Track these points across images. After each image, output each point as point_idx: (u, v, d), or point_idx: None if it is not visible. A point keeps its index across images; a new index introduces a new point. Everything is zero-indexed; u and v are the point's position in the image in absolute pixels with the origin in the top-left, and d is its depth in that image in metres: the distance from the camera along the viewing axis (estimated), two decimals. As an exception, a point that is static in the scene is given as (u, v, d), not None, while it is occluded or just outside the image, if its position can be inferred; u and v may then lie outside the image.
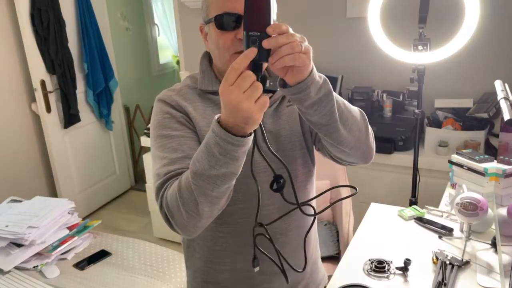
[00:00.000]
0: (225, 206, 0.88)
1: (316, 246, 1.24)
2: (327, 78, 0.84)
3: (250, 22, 0.73)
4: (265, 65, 0.77)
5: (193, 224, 0.86)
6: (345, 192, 1.94)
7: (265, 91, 0.74)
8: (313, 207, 0.93)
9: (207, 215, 0.85)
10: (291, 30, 0.74)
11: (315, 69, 0.81)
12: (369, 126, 0.99)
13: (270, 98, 1.05)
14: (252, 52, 0.72)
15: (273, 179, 0.84)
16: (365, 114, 0.98)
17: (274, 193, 0.85)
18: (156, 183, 0.93)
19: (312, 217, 1.17)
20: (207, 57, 1.08)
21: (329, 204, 0.92)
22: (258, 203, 0.85)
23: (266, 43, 0.72)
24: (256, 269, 0.89)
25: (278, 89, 0.84)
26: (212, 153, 0.77)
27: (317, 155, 1.14)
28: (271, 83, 0.76)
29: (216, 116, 0.77)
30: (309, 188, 1.12)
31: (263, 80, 0.74)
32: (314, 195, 1.14)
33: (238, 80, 0.71)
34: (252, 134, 0.77)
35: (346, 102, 0.92)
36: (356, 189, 0.89)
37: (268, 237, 0.89)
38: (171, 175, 0.91)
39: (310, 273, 1.20)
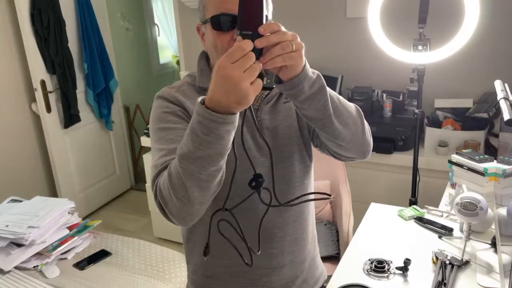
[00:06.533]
0: (217, 191, 0.87)
1: (314, 243, 1.24)
2: (320, 74, 0.86)
3: (243, 21, 0.74)
4: None
5: (186, 211, 0.85)
6: (345, 192, 1.94)
7: (263, 88, 0.75)
8: (279, 203, 0.91)
9: (198, 200, 0.83)
10: (283, 29, 0.75)
11: (307, 65, 0.82)
12: (365, 121, 1.00)
13: (267, 95, 1.06)
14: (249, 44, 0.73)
15: (253, 177, 0.85)
16: (360, 110, 1.00)
17: (261, 190, 0.86)
18: (152, 174, 0.93)
19: (311, 211, 1.18)
20: (205, 56, 1.10)
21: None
22: (230, 188, 0.84)
23: (257, 43, 0.73)
24: (205, 258, 0.89)
25: (274, 86, 0.85)
26: (196, 134, 0.76)
27: (316, 153, 1.14)
28: (268, 81, 0.77)
29: (200, 98, 0.77)
30: (307, 184, 1.13)
31: (260, 77, 0.75)
32: (312, 191, 1.16)
33: (243, 59, 0.71)
34: (237, 114, 0.76)
35: (341, 97, 0.94)
36: (330, 196, 0.92)
37: (227, 221, 0.88)
38: (166, 164, 0.90)
39: (308, 269, 1.20)
